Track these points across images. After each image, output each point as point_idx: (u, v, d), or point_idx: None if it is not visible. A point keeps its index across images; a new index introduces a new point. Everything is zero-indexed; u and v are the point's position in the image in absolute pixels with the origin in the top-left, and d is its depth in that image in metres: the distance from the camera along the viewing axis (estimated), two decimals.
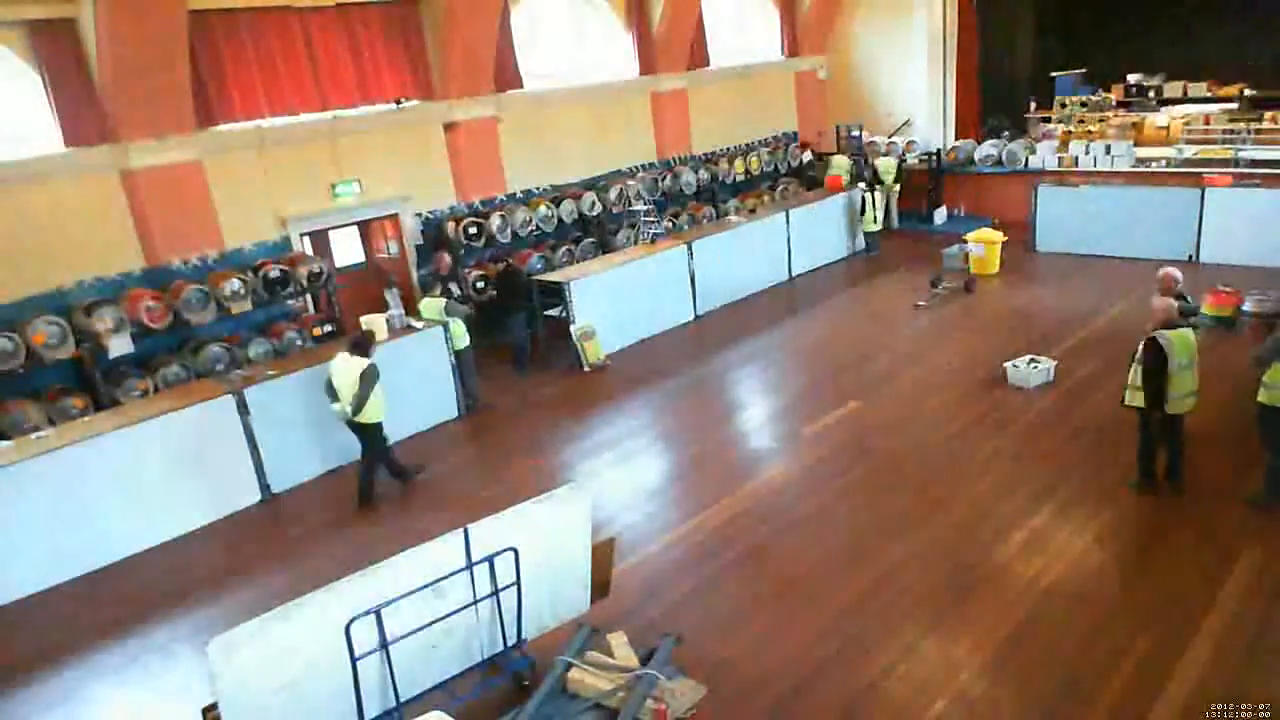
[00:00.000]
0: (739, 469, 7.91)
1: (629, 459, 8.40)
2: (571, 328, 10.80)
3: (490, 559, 4.80)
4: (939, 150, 16.31)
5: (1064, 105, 17.54)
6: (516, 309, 10.95)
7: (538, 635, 5.28)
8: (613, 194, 13.75)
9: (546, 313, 11.22)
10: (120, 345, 8.92)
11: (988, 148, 15.87)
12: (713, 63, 16.02)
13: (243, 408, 8.01)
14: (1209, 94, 17.63)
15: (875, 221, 14.66)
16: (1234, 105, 16.83)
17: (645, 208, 13.83)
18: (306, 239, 11.17)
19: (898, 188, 16.01)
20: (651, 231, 13.49)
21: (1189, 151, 14.42)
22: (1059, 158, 15.17)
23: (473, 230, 12.01)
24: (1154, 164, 14.34)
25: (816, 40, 17.88)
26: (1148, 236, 12.63)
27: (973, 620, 5.53)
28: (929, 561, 6.20)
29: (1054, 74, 18.87)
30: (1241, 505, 6.44)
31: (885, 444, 8.06)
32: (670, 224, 14.34)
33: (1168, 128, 15.80)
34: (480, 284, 11.84)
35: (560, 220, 13.08)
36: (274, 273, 10.00)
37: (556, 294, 11.01)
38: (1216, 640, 5.13)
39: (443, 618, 4.73)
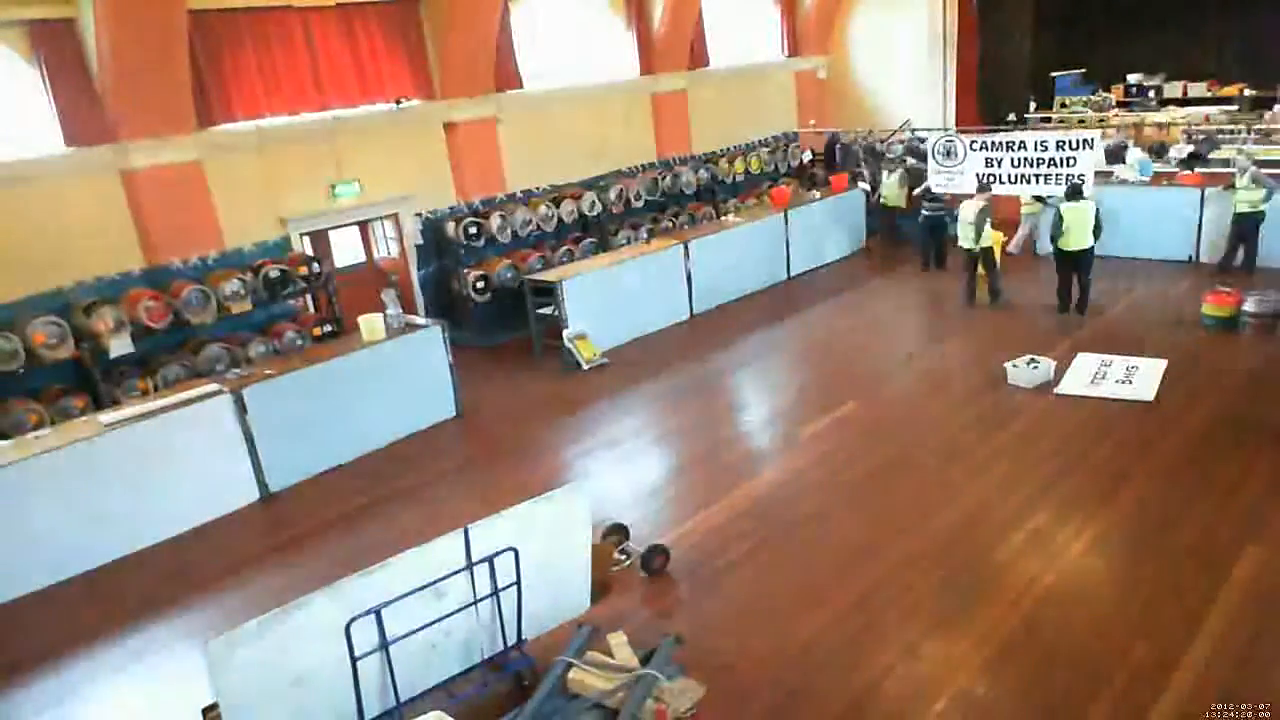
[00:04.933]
0: (738, 469, 7.90)
1: (628, 459, 8.40)
2: (564, 333, 10.80)
3: (490, 559, 4.79)
4: None
5: (1064, 105, 17.53)
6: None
7: (538, 635, 5.28)
8: (613, 194, 13.76)
9: (539, 311, 11.22)
10: (120, 345, 8.92)
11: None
12: (713, 63, 16.01)
13: (240, 407, 8.03)
14: (1209, 94, 17.62)
15: None
16: (1234, 106, 16.83)
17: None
18: (306, 239, 11.18)
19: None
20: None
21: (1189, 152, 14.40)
22: None
23: (473, 230, 12.01)
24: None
25: (817, 40, 17.89)
26: (1148, 236, 12.64)
27: (973, 620, 5.53)
28: (929, 562, 6.19)
29: (1054, 74, 18.87)
30: (1243, 503, 6.45)
31: (884, 444, 8.05)
32: (670, 224, 14.35)
33: (1168, 128, 15.80)
34: (480, 284, 11.84)
35: (560, 220, 13.08)
36: (274, 273, 10.00)
37: (549, 294, 11.02)
38: (1216, 640, 5.13)
39: (443, 618, 4.72)
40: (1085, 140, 11.80)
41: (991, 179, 12.40)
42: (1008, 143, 12.36)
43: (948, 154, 12.84)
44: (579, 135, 13.92)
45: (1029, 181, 12.35)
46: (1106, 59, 19.00)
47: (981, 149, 12.52)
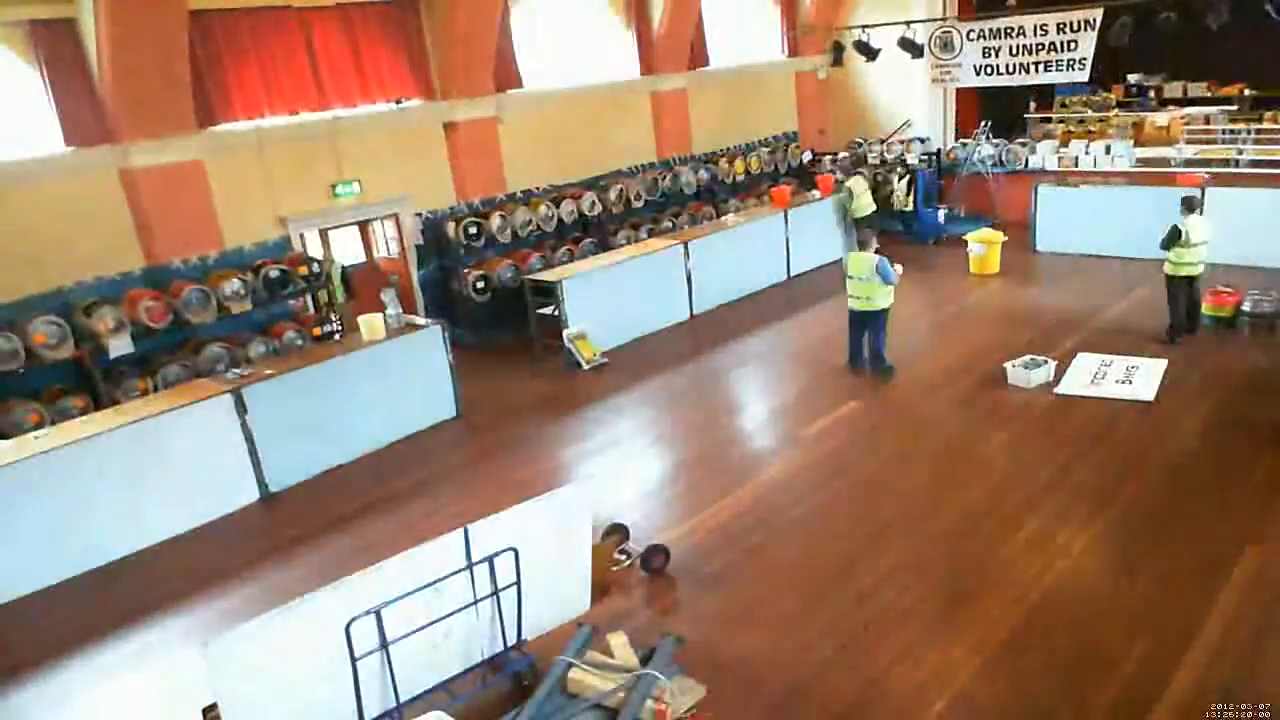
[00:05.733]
0: (738, 469, 7.91)
1: (628, 459, 8.40)
2: (565, 332, 10.80)
3: (490, 559, 4.80)
4: (939, 150, 16.29)
5: (1064, 105, 17.51)
6: None
7: (538, 635, 5.28)
8: (613, 194, 13.76)
9: (539, 311, 11.22)
10: (120, 345, 8.91)
11: (988, 148, 15.85)
12: (713, 63, 16.01)
13: (240, 407, 8.02)
14: (1209, 94, 17.60)
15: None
16: (1234, 106, 16.82)
17: None
18: (307, 238, 11.17)
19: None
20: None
21: (1189, 151, 14.41)
22: (1059, 157, 15.17)
23: (473, 230, 12.01)
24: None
25: (817, 40, 17.87)
26: (1148, 236, 12.61)
27: (973, 620, 5.53)
28: (929, 562, 6.20)
29: None
30: (1243, 503, 6.46)
31: (885, 444, 8.06)
32: (670, 224, 14.34)
33: (1168, 127, 15.79)
34: (480, 284, 11.84)
35: (560, 220, 13.08)
36: (274, 273, 10.00)
37: (549, 294, 11.02)
38: (1217, 640, 5.13)
39: (443, 618, 4.73)
40: (1087, 21, 11.26)
41: (990, 70, 11.93)
42: (1005, 29, 11.82)
43: (944, 46, 12.45)
44: (579, 135, 13.91)
45: (1028, 71, 11.83)
46: (1105, 58, 18.95)
47: (979, 38, 12.01)
